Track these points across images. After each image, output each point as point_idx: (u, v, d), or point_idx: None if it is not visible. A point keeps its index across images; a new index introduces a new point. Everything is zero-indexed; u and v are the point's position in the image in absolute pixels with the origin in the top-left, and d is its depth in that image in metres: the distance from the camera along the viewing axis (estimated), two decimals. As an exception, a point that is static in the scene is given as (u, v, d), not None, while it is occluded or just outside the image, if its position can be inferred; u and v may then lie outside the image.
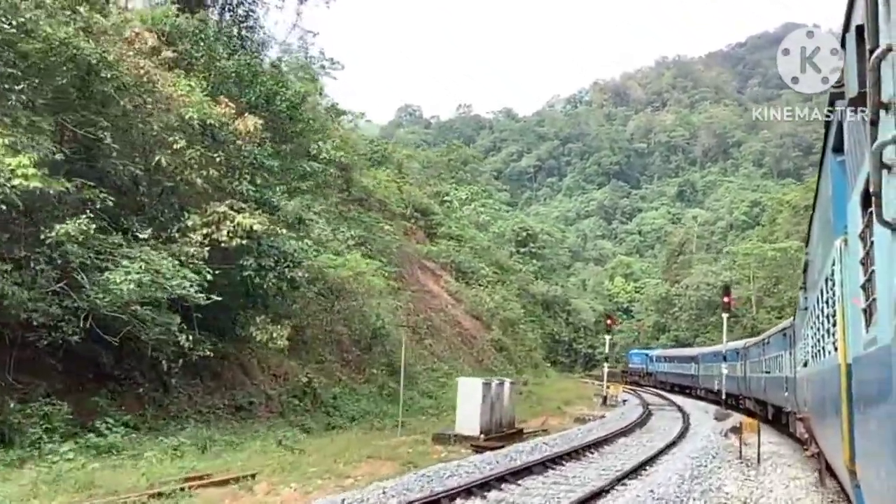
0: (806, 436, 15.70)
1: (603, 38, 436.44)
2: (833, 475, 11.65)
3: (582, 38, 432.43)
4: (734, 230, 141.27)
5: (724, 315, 36.78)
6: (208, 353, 18.42)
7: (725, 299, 36.32)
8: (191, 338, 17.23)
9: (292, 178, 24.92)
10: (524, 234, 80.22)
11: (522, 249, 79.38)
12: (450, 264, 57.20)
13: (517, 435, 23.60)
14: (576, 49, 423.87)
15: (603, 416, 34.10)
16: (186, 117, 18.70)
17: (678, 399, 48.83)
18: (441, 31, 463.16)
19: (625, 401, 44.13)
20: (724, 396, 36.89)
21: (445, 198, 67.92)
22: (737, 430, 20.71)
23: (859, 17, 4.56)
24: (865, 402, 5.15)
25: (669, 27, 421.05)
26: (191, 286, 17.19)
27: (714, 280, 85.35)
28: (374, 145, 66.82)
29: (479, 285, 55.89)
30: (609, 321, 44.90)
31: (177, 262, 17.48)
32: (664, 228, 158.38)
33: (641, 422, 30.49)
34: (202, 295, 17.28)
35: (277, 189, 22.92)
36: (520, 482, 14.58)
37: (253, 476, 13.82)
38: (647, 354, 79.16)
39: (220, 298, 17.99)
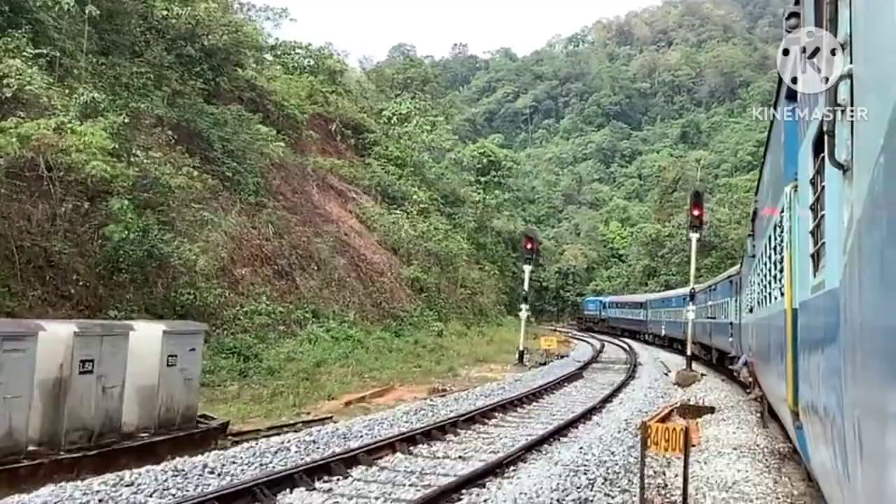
0: (750, 380, 15.66)
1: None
2: (775, 417, 11.44)
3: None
4: (739, 172, 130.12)
5: (693, 236, 25.77)
6: None
7: (695, 212, 25.21)
8: None
9: None
10: (485, 160, 68.22)
11: (483, 178, 67.63)
12: (374, 188, 46.20)
13: (162, 447, 12.03)
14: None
15: (517, 379, 23.47)
16: None
17: (647, 355, 38.18)
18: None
19: (563, 356, 33.31)
20: (689, 352, 26.30)
21: (383, 112, 56.70)
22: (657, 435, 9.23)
23: None
24: (810, 345, 5.14)
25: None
26: None
27: (710, 217, 73.85)
28: (306, 50, 55.82)
29: (404, 212, 44.74)
30: (528, 244, 33.86)
31: None
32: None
33: (539, 393, 19.34)
34: None
35: None
36: None
37: None
38: (601, 301, 79.50)
39: None
